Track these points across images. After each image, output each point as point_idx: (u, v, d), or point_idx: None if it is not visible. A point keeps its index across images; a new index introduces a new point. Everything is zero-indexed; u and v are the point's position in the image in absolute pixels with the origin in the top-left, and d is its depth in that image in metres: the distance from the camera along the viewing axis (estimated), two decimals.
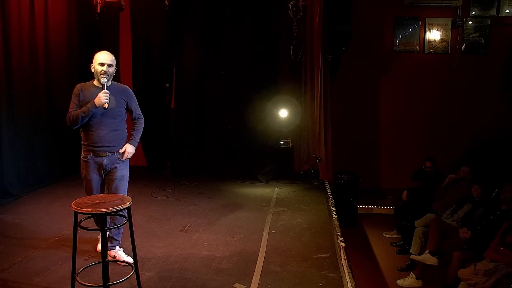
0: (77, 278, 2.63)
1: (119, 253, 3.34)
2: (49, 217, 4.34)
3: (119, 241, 3.38)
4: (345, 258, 3.36)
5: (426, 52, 6.98)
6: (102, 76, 3.13)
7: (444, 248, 4.51)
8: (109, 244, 3.27)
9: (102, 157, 3.22)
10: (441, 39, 6.93)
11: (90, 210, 2.48)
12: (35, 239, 3.74)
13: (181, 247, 3.67)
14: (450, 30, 6.88)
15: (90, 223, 2.71)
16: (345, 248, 3.56)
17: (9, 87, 4.92)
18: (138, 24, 6.33)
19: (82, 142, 3.27)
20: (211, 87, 6.30)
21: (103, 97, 3.09)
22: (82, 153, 3.26)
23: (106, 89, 3.13)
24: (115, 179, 3.30)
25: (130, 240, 2.75)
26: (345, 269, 3.21)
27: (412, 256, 4.67)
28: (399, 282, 4.65)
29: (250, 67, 6.13)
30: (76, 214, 2.56)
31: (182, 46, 6.22)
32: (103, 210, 2.48)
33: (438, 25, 6.91)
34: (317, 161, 5.99)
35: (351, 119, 7.06)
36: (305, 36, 5.94)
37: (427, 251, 4.52)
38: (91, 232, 3.46)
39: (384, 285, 4.69)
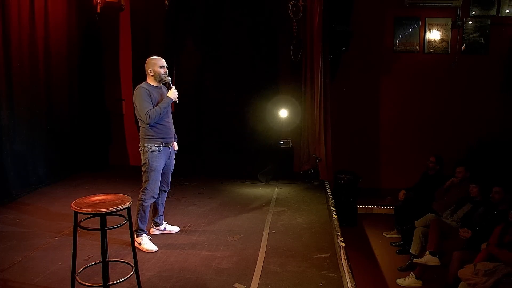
0: (77, 278, 2.63)
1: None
2: (49, 217, 4.35)
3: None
4: (345, 258, 3.37)
5: (426, 52, 6.96)
6: (167, 76, 3.63)
7: (444, 248, 4.51)
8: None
9: (169, 147, 3.66)
10: (441, 39, 6.92)
11: (90, 210, 2.49)
12: (35, 239, 3.75)
13: (181, 247, 3.67)
14: (450, 30, 6.87)
15: (90, 223, 2.71)
16: (345, 248, 3.56)
17: (9, 87, 4.92)
18: (138, 24, 6.32)
19: (150, 136, 3.52)
20: (211, 87, 6.30)
21: (176, 92, 3.64)
22: (153, 145, 3.52)
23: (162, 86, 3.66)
24: (171, 168, 3.80)
25: (130, 240, 2.75)
26: (345, 269, 3.21)
27: (415, 260, 4.66)
28: (399, 282, 4.65)
29: (250, 67, 6.12)
30: (76, 214, 2.57)
31: (182, 46, 6.22)
32: (103, 210, 2.49)
33: (438, 25, 6.90)
34: (317, 161, 5.99)
35: (351, 119, 7.05)
36: (305, 36, 5.94)
37: (427, 252, 4.52)
38: (91, 232, 3.46)
39: (384, 285, 4.69)
